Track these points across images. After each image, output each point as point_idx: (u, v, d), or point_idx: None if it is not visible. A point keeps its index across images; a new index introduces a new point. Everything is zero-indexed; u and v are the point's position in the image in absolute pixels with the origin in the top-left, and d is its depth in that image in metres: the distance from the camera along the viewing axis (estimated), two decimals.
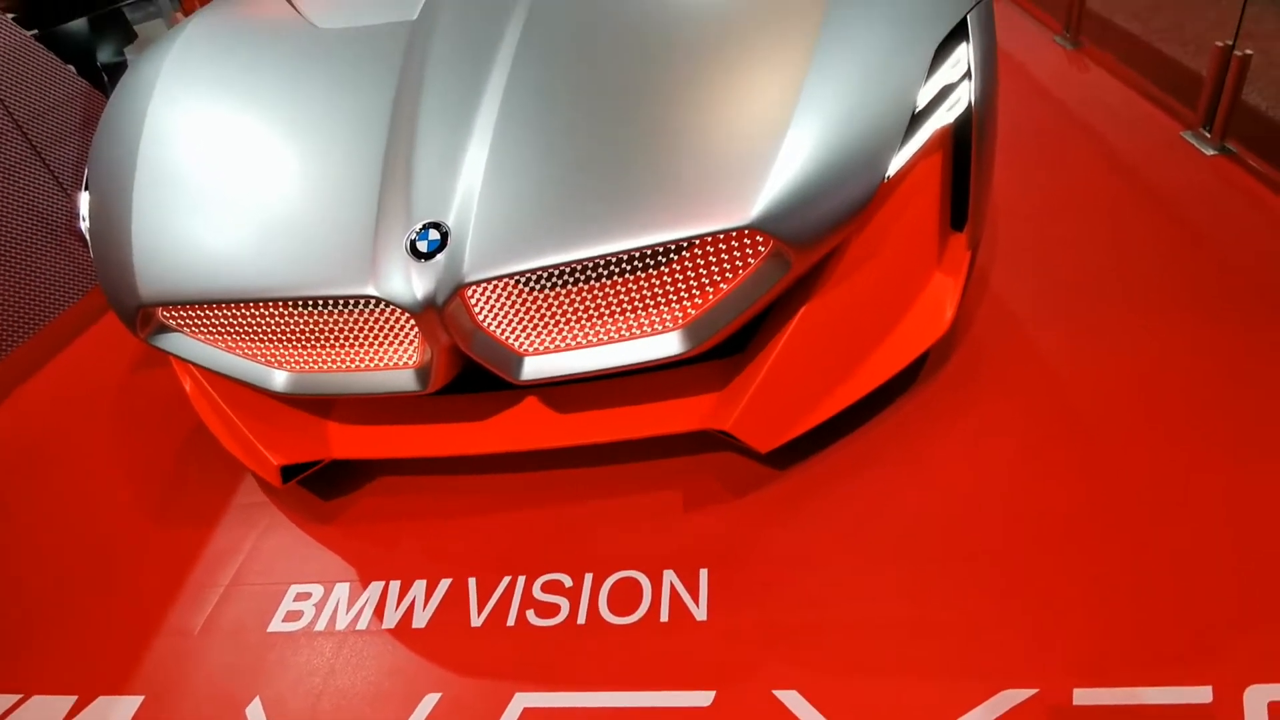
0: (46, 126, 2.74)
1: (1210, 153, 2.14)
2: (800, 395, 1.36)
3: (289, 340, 1.37)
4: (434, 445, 1.50)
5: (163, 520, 1.75)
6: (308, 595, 1.45)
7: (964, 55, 1.30)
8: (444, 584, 1.41)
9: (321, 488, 1.69)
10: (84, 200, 1.62)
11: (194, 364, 1.42)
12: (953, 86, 1.29)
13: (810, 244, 1.17)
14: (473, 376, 1.41)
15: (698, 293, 1.24)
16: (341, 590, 1.44)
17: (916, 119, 1.25)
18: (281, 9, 1.86)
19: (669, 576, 1.32)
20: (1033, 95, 2.71)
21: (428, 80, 1.40)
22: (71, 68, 2.93)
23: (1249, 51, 2.03)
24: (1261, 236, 1.82)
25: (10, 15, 2.79)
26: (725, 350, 1.42)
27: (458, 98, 1.36)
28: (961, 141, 1.33)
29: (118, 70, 4.01)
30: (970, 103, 1.29)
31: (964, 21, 1.32)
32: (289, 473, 1.51)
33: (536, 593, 1.35)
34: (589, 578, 1.35)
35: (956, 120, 1.30)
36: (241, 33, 1.83)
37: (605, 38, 1.42)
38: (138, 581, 1.58)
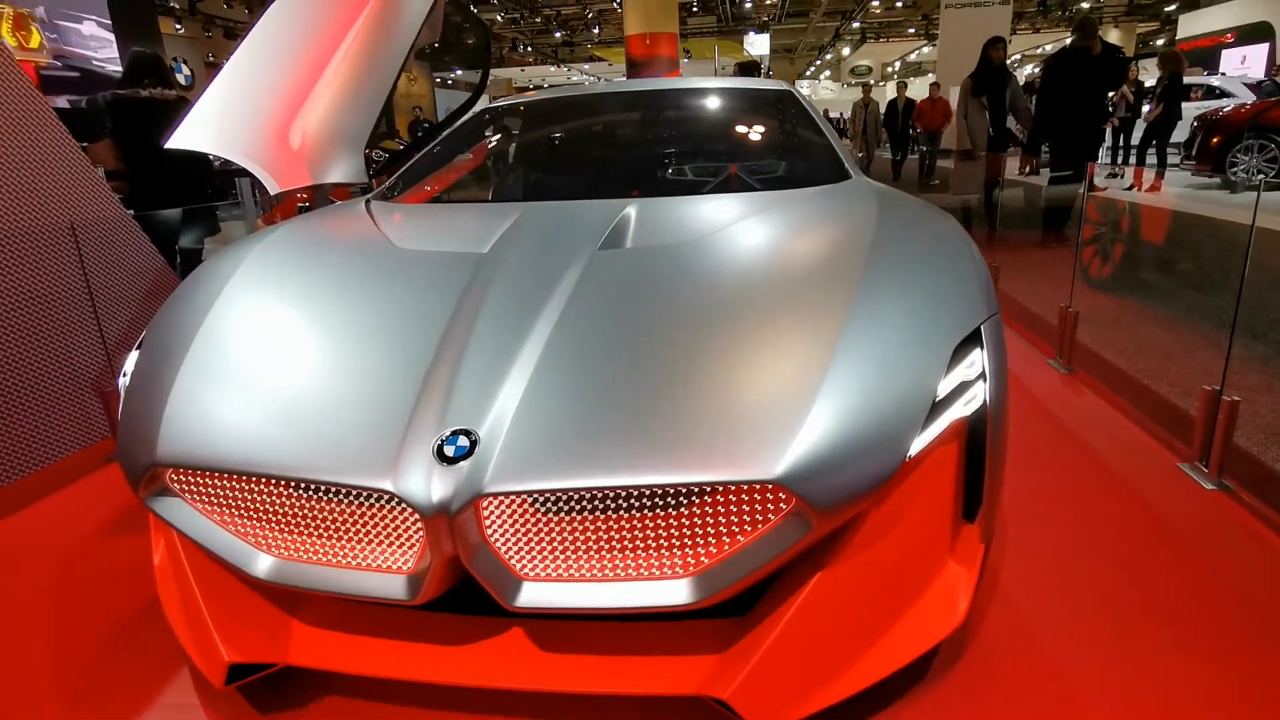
0: (113, 291, 2.94)
1: (1209, 487, 2.20)
2: (805, 674, 1.27)
3: (284, 525, 1.32)
4: (401, 667, 1.37)
5: (72, 706, 1.55)
6: None
7: (979, 359, 1.41)
8: None
9: (261, 698, 1.52)
10: (132, 358, 1.68)
11: (181, 533, 1.36)
12: (969, 384, 1.38)
13: (831, 509, 1.17)
14: (455, 599, 1.33)
15: (713, 543, 1.22)
16: None
17: (936, 408, 1.32)
18: (366, 227, 2.08)
19: None
20: (1033, 409, 2.87)
21: (485, 306, 1.52)
22: (154, 246, 3.21)
23: (1237, 398, 2.18)
24: (1270, 575, 1.80)
25: (119, 195, 3.13)
26: (725, 612, 1.36)
27: (510, 325, 1.46)
28: (975, 437, 1.39)
29: (193, 255, 4.37)
30: (985, 401, 1.37)
31: (978, 330, 1.45)
32: (236, 673, 1.37)
33: None
34: None
35: (972, 415, 1.37)
36: (323, 241, 2.03)
37: (654, 294, 1.56)
38: None
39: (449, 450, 1.22)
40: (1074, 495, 2.21)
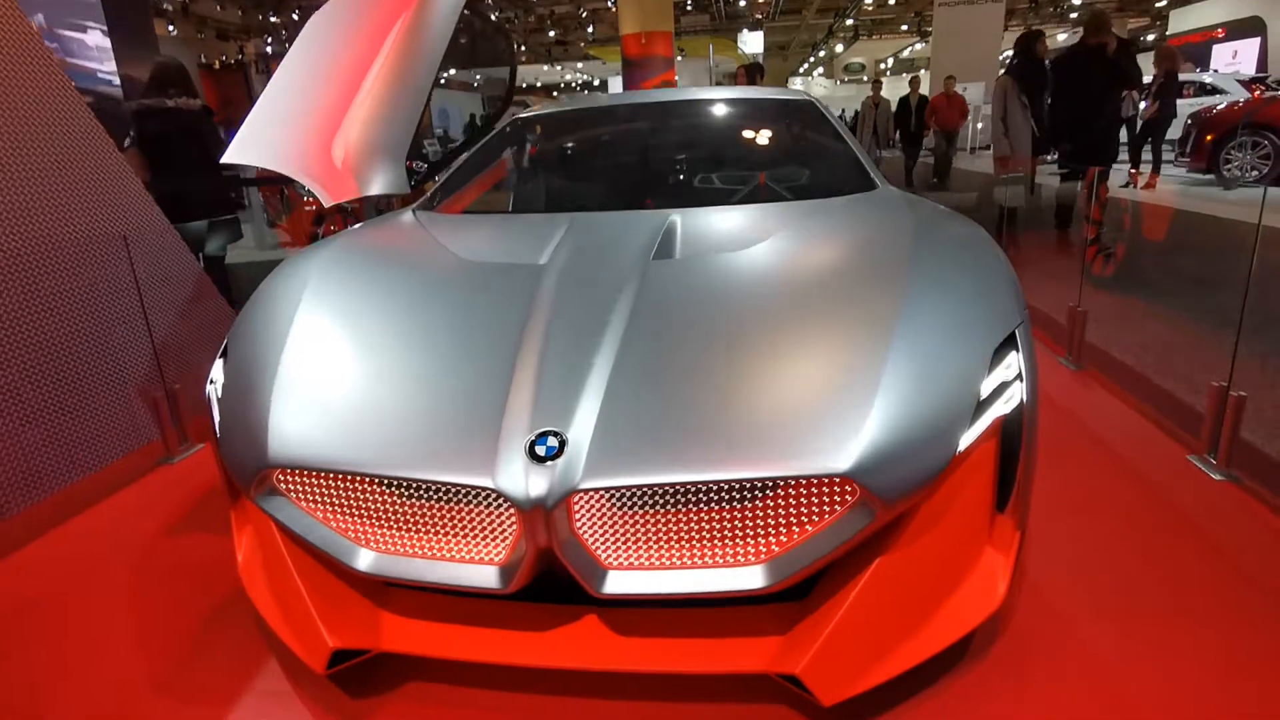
0: (158, 294, 3.03)
1: (1218, 478, 2.33)
2: (864, 652, 1.39)
3: (383, 522, 1.43)
4: (486, 651, 1.48)
5: (170, 697, 1.66)
6: None
7: (1015, 361, 1.53)
8: None
9: (349, 683, 1.62)
10: (218, 367, 1.79)
11: (288, 530, 1.47)
12: (1007, 384, 1.50)
13: (893, 499, 1.29)
14: (533, 589, 1.45)
15: (783, 532, 1.33)
16: None
17: (980, 406, 1.44)
18: (423, 238, 2.19)
19: None
20: (1047, 405, 2.99)
21: (556, 314, 1.63)
22: (193, 255, 3.31)
23: (1244, 394, 2.31)
24: (1277, 559, 1.92)
25: None
26: (783, 598, 1.47)
27: (583, 332, 1.57)
28: (1011, 433, 1.51)
29: (216, 262, 4.45)
30: (1022, 399, 1.50)
31: (1013, 334, 1.57)
32: (335, 659, 1.48)
33: None
34: None
35: (1010, 413, 1.49)
36: (386, 251, 2.14)
37: (713, 302, 1.67)
38: None
39: (540, 450, 1.34)
40: (1090, 487, 2.34)
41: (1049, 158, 6.72)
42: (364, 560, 1.43)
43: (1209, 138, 9.43)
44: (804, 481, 1.30)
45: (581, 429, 1.36)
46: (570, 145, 3.23)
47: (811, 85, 43.90)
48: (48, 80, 2.60)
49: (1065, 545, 2.03)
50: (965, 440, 1.39)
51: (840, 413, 1.34)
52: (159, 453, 2.91)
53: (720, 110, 3.15)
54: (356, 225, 2.44)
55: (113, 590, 2.08)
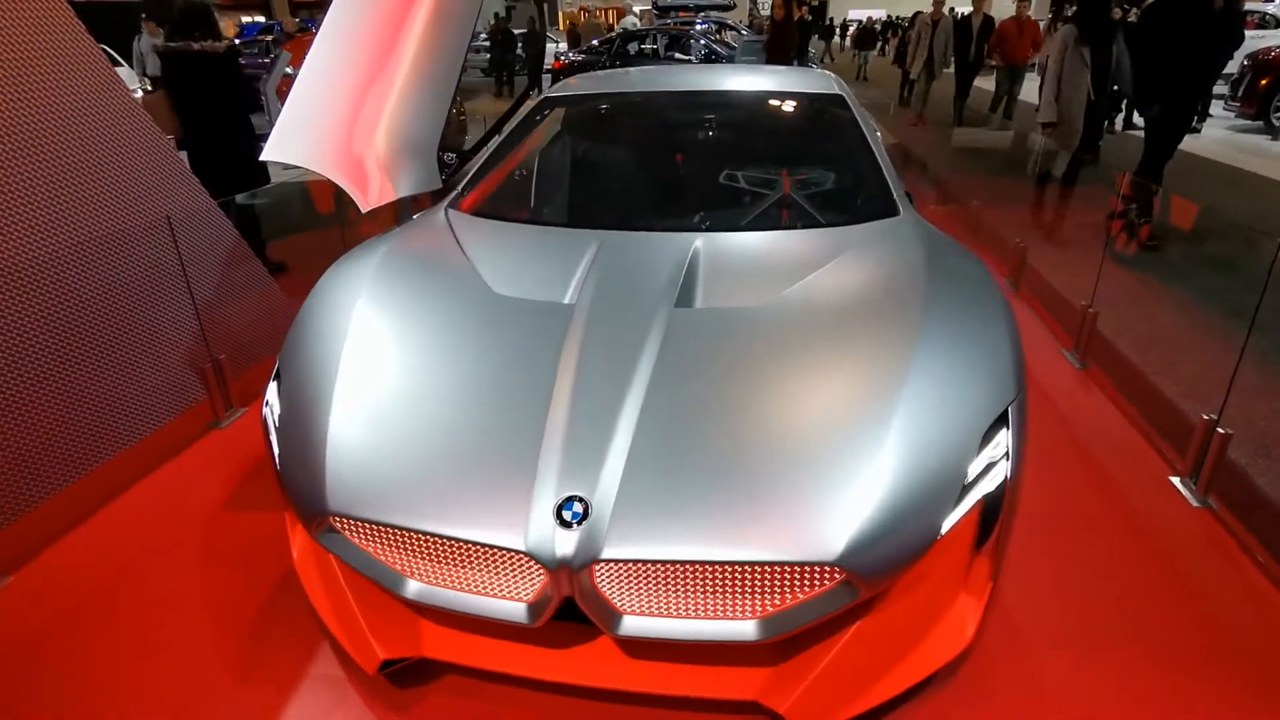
0: (201, 268, 3.17)
1: (1195, 504, 2.48)
2: (845, 690, 1.60)
3: (428, 559, 1.63)
4: (513, 664, 1.72)
5: (235, 674, 1.91)
6: None
7: (1004, 440, 1.66)
8: None
9: (396, 675, 1.87)
10: (272, 389, 1.95)
11: (344, 562, 1.68)
12: (994, 463, 1.64)
13: (876, 581, 1.47)
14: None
15: (777, 595, 1.52)
16: None
17: (965, 488, 1.59)
18: (457, 258, 2.29)
19: None
20: (1043, 408, 3.10)
21: (583, 370, 1.77)
22: (229, 222, 3.41)
23: (1230, 431, 2.43)
24: (1239, 599, 2.09)
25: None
26: None
27: (607, 391, 1.71)
28: (991, 506, 1.64)
29: (245, 210, 4.52)
30: (1006, 478, 1.64)
31: (1005, 411, 1.69)
32: (384, 664, 1.72)
33: None
34: None
35: (993, 491, 1.63)
36: (428, 266, 2.25)
37: (727, 364, 1.79)
38: None
39: (566, 514, 1.51)
40: (1071, 504, 2.49)
41: (1134, 119, 5.95)
42: (410, 590, 1.64)
43: (1264, 82, 9.00)
44: (799, 564, 1.47)
45: (605, 495, 1.53)
46: (596, 146, 3.24)
47: None
48: (110, 94, 2.69)
49: (1039, 562, 2.21)
50: (948, 523, 1.55)
51: (837, 500, 1.50)
52: (208, 417, 3.13)
53: (747, 103, 3.13)
54: (395, 230, 2.52)
55: (177, 568, 2.30)
